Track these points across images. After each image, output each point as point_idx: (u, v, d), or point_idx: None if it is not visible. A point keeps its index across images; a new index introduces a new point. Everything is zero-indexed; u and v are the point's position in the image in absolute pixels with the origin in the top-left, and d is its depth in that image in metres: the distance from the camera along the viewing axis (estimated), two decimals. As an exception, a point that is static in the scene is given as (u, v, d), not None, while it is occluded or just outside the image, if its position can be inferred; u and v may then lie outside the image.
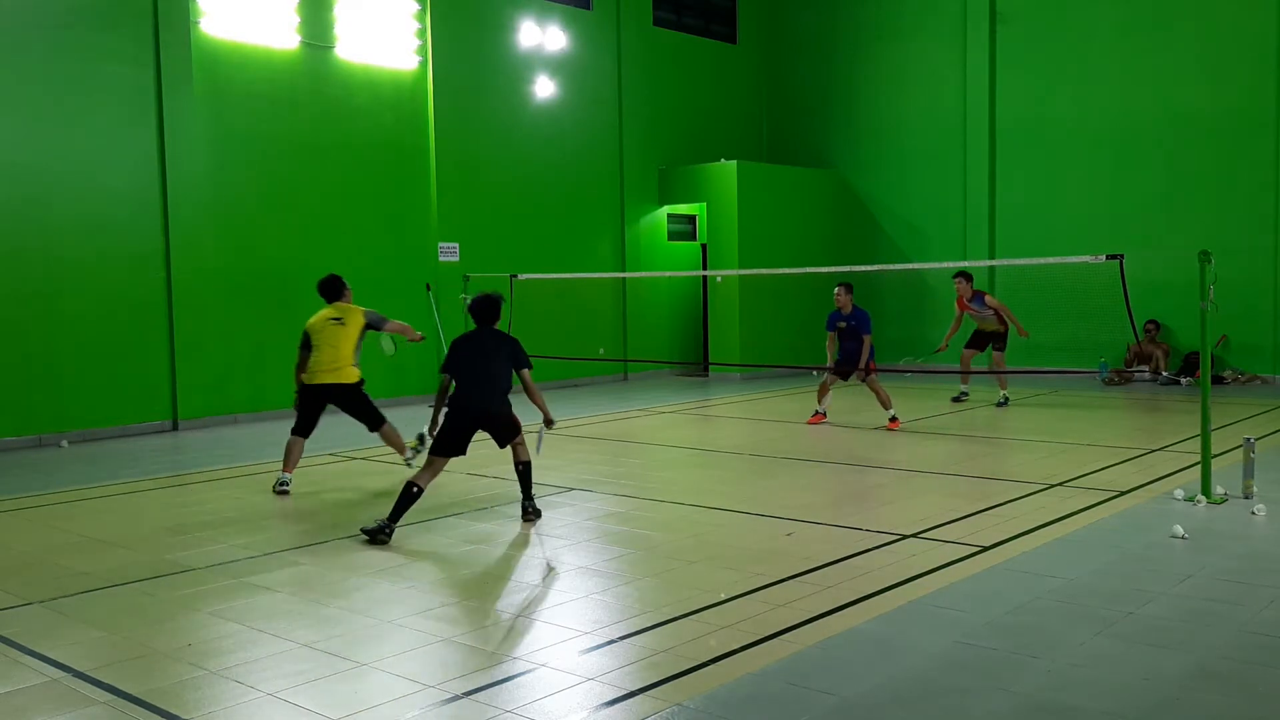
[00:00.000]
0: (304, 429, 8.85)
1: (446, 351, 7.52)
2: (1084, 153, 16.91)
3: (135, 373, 12.48)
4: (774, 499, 8.12)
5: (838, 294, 11.87)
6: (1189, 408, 12.95)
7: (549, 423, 7.53)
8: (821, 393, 12.32)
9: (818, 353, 13.76)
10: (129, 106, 12.35)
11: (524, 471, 7.51)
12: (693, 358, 19.41)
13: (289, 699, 4.34)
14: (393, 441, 9.11)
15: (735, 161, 17.82)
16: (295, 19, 13.71)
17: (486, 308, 7.41)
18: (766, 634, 4.96)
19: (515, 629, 5.27)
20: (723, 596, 5.57)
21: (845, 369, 11.85)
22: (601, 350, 17.43)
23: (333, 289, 8.92)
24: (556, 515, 7.64)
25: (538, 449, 7.54)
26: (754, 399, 15.23)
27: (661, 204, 18.74)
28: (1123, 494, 7.95)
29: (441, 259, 15.38)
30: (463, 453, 7.33)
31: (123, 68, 12.27)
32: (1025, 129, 17.46)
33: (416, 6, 15.03)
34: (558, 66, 16.89)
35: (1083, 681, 4.34)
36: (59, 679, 4.62)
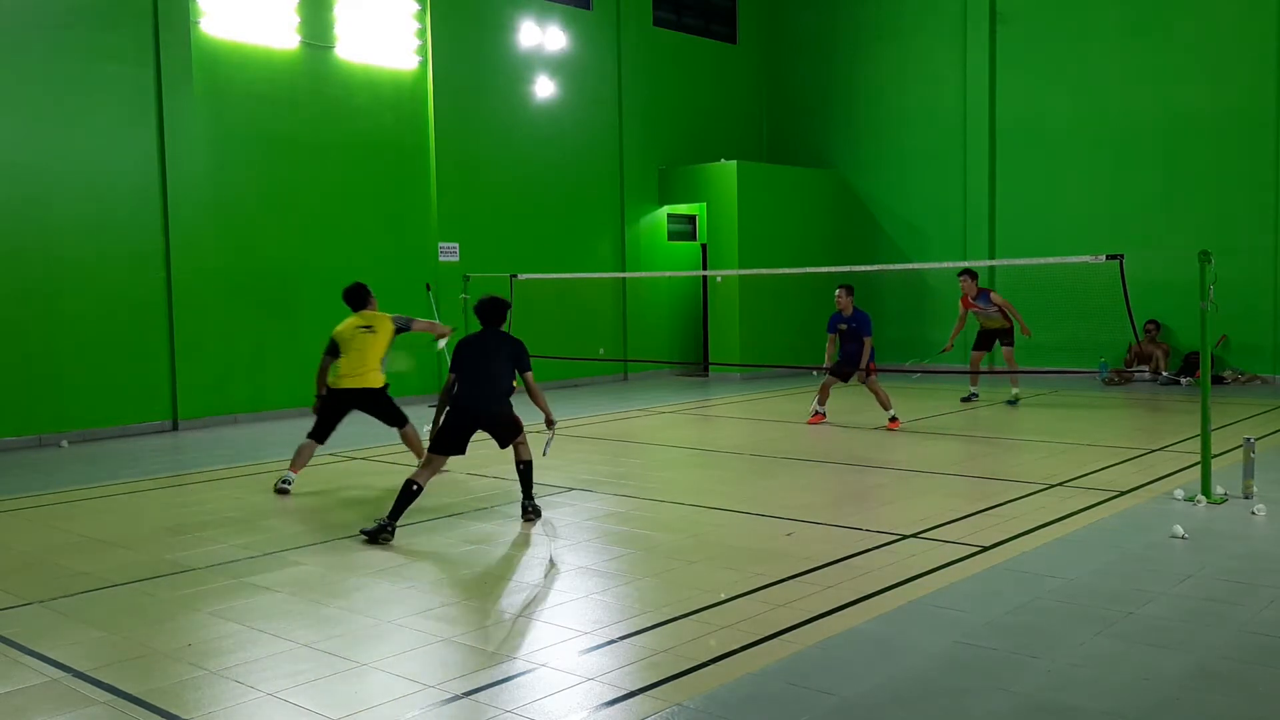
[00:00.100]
0: (320, 435, 8.83)
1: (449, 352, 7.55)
2: (1084, 153, 16.91)
3: (135, 373, 12.48)
4: (774, 499, 8.12)
5: (838, 296, 11.87)
6: (1189, 408, 12.95)
7: (550, 424, 7.55)
8: (822, 394, 12.32)
9: (818, 353, 13.76)
10: (129, 106, 12.35)
11: (525, 471, 7.53)
12: (693, 358, 19.41)
13: (289, 699, 4.34)
14: (413, 445, 9.11)
15: (735, 161, 17.82)
16: (295, 19, 13.71)
17: (490, 309, 7.45)
18: (766, 634, 4.96)
19: (515, 629, 5.27)
20: (723, 596, 5.57)
21: (845, 370, 11.86)
22: (601, 350, 17.43)
23: (358, 297, 8.94)
24: (556, 515, 7.64)
25: (544, 450, 7.57)
26: (754, 399, 15.23)
27: (661, 204, 18.74)
28: (1123, 494, 7.95)
29: (441, 259, 15.38)
30: (461, 452, 7.34)
31: (123, 68, 12.28)
32: (1025, 129, 17.46)
33: (416, 6, 15.04)
34: (558, 66, 16.89)
35: (1083, 681, 4.34)
36: (59, 679, 4.62)
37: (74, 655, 4.89)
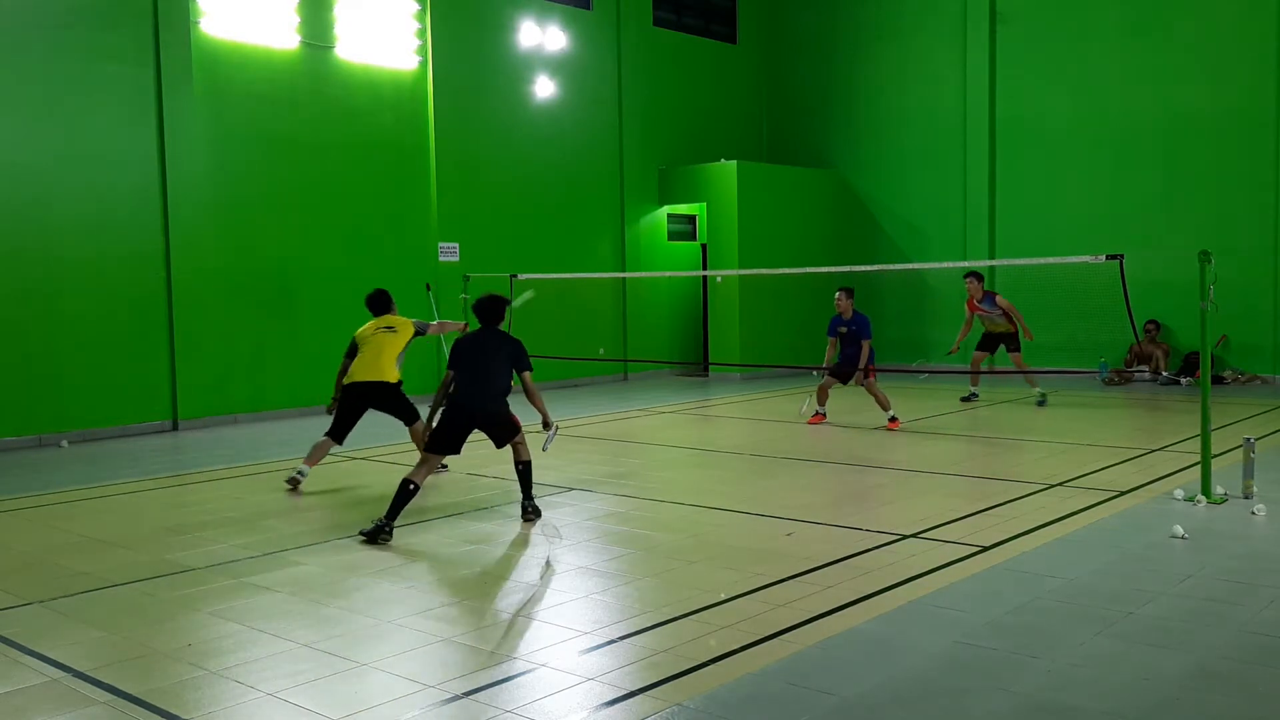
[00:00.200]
0: (338, 434, 8.86)
1: (449, 352, 7.56)
2: (1084, 153, 16.91)
3: (135, 373, 12.48)
4: (774, 499, 8.12)
5: (838, 299, 11.87)
6: (1189, 408, 12.95)
7: (547, 425, 7.56)
8: (820, 395, 12.32)
9: (817, 353, 13.77)
10: (129, 106, 12.35)
11: (524, 471, 7.53)
12: (693, 358, 19.41)
13: (289, 699, 4.34)
14: (420, 442, 9.12)
15: (735, 161, 17.82)
16: (295, 19, 13.71)
17: (488, 308, 7.46)
18: (766, 634, 4.96)
19: (515, 629, 5.27)
20: (723, 596, 5.57)
21: (845, 371, 11.86)
22: (601, 350, 17.43)
23: (381, 303, 9.06)
24: (556, 515, 7.64)
25: (545, 446, 7.60)
26: (754, 399, 15.23)
27: (661, 204, 18.74)
28: (1123, 494, 7.95)
29: (441, 259, 15.38)
30: (457, 451, 7.35)
31: (123, 67, 12.27)
32: (1025, 129, 17.46)
33: (416, 6, 15.04)
34: (558, 66, 16.89)
35: (1083, 681, 4.34)
36: (59, 679, 4.62)
37: (74, 655, 4.89)
